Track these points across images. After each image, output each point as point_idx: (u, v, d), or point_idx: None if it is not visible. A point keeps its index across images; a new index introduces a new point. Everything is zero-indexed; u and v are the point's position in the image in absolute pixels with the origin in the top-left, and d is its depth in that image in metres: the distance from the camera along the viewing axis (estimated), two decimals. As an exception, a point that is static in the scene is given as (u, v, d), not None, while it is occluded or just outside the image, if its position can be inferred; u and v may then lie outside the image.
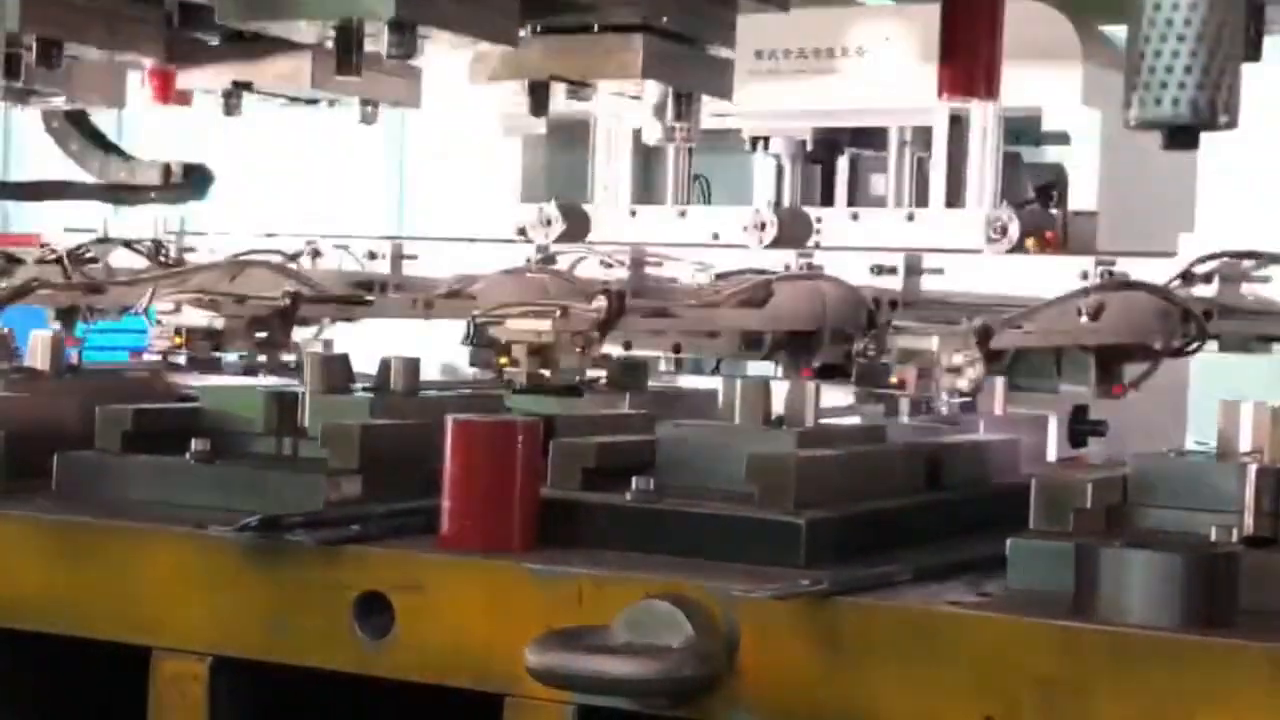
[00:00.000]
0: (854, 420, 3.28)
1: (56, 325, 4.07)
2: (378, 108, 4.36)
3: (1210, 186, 5.41)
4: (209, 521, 2.55)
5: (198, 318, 4.08)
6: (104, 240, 4.78)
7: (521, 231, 5.18)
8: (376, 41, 3.19)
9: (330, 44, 3.20)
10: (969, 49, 4.08)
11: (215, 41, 4.11)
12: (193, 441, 2.83)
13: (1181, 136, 2.27)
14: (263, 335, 3.89)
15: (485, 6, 3.37)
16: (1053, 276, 4.09)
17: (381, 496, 2.67)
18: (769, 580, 2.23)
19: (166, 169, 4.69)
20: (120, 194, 4.87)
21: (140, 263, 4.70)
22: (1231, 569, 2.11)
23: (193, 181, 4.70)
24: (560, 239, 5.02)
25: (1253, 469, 2.35)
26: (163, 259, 4.80)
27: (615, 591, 2.26)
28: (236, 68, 4.31)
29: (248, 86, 4.39)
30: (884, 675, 2.13)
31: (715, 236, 4.92)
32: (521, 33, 3.65)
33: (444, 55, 3.60)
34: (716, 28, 3.97)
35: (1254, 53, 2.53)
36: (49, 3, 3.44)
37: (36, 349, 3.64)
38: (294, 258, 4.79)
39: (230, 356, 4.33)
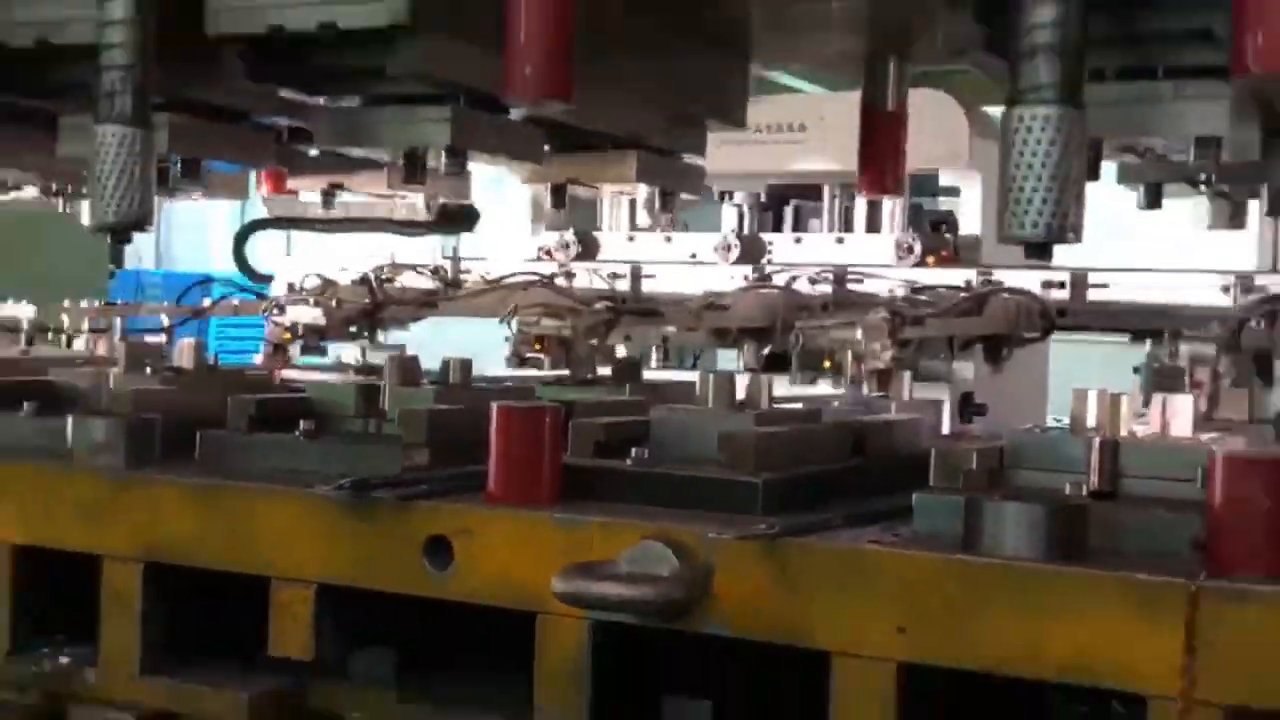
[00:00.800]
0: (797, 405, 3.31)
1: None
2: (438, 198, 4.42)
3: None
4: (314, 483, 2.60)
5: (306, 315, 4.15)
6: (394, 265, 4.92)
7: (548, 252, 5.26)
8: (435, 158, 3.24)
9: (402, 161, 3.24)
10: (880, 160, 4.16)
11: (314, 152, 4.13)
12: (301, 422, 2.88)
13: (1038, 250, 2.31)
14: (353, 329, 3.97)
15: (519, 135, 3.39)
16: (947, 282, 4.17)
17: (443, 464, 2.70)
18: (735, 526, 2.29)
19: (443, 208, 4.76)
20: (404, 227, 4.91)
21: (424, 283, 4.76)
22: (1081, 517, 2.20)
23: (465, 216, 4.72)
24: (576, 258, 5.11)
25: (1096, 441, 2.42)
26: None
27: (619, 534, 2.32)
28: (332, 174, 4.40)
29: (340, 186, 4.49)
30: (821, 596, 2.19)
31: (693, 256, 5.01)
32: (545, 148, 3.70)
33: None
34: (691, 143, 4.06)
35: (1093, 174, 2.57)
36: (189, 130, 3.44)
37: (182, 352, 3.67)
38: (551, 279, 4.92)
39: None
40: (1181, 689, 1.96)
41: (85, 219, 2.95)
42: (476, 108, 3.07)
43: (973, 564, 2.13)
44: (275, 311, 4.79)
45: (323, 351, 4.60)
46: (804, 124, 4.98)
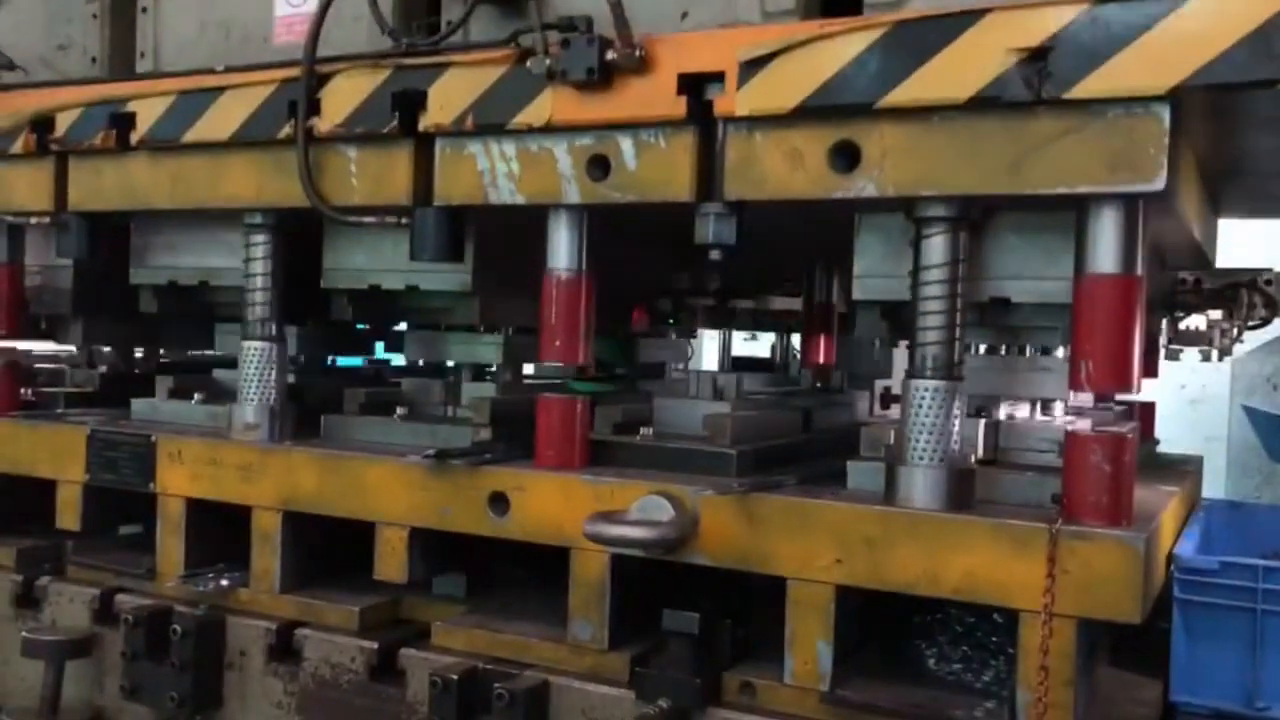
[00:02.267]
0: (762, 394, 3.28)
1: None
2: None
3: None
4: (406, 453, 2.62)
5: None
6: None
7: None
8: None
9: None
10: None
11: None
12: (397, 409, 2.91)
13: None
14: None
15: None
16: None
17: (502, 438, 2.70)
18: (716, 485, 2.30)
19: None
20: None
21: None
22: (970, 477, 2.20)
23: None
24: None
25: (982, 421, 2.42)
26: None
27: (631, 490, 2.32)
28: None
29: None
30: (779, 536, 2.20)
31: None
32: None
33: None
34: None
35: None
36: (311, 337, 3.40)
37: None
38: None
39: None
40: (1044, 605, 1.97)
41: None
42: (520, 334, 3.04)
43: (889, 512, 2.14)
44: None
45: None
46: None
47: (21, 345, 4.57)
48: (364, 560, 2.63)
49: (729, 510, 2.24)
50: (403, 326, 3.37)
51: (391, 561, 2.59)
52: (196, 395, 3.19)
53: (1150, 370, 3.33)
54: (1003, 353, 2.58)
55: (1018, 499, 2.23)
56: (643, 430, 2.63)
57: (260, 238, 2.87)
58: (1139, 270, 2.05)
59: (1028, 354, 2.59)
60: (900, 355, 4.84)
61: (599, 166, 2.38)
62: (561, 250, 2.48)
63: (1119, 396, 3.42)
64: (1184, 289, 3.33)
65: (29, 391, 3.44)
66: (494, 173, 2.48)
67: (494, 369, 3.12)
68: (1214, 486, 4.58)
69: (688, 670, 2.24)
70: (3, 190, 3.22)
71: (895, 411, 4.68)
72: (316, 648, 2.63)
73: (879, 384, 4.72)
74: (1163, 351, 3.16)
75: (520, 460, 2.56)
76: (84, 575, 3.05)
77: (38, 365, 3.71)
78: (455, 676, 2.37)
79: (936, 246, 2.16)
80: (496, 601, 2.70)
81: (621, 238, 2.71)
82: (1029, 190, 2.03)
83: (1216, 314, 2.94)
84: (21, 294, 3.42)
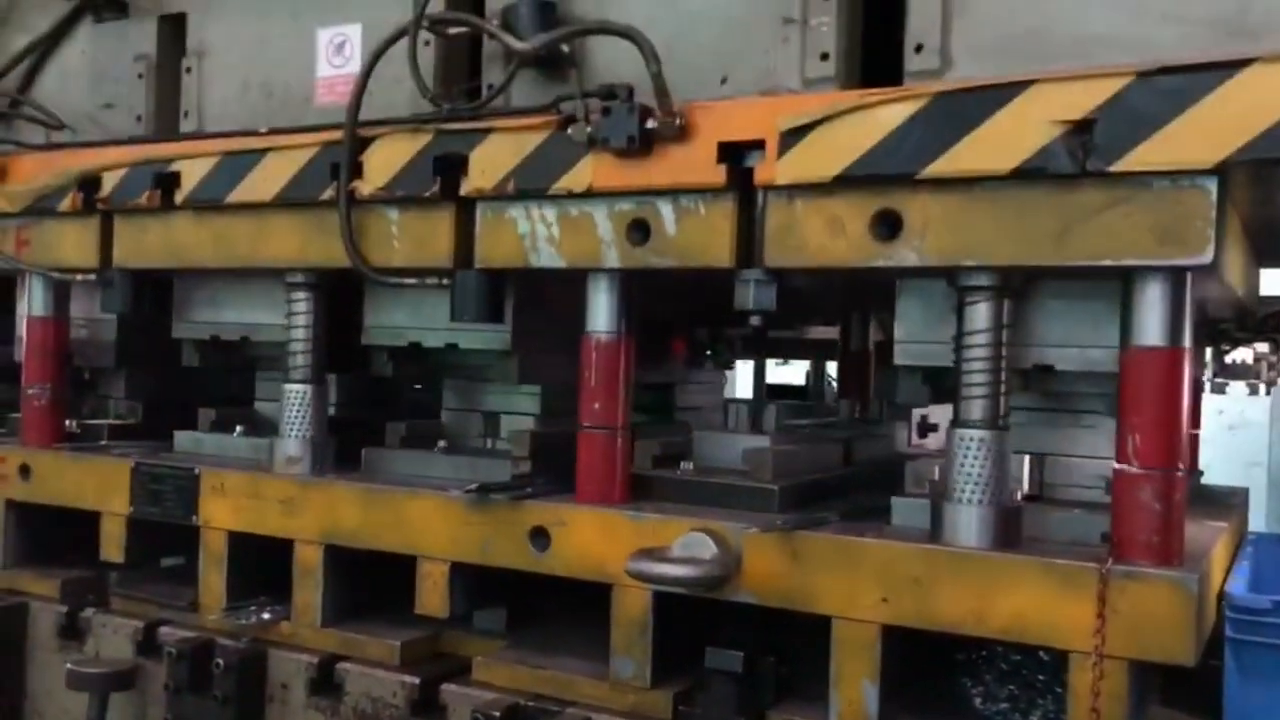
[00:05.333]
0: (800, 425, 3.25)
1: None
2: None
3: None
4: (449, 487, 2.61)
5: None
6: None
7: None
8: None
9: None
10: None
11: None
12: (438, 442, 2.91)
13: None
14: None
15: None
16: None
17: (541, 471, 2.68)
18: (758, 522, 2.28)
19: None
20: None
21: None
22: (1017, 515, 2.17)
23: None
24: None
25: (1027, 457, 2.39)
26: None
27: (673, 527, 2.30)
28: None
29: None
30: (824, 574, 2.17)
31: None
32: None
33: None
34: None
35: None
36: (346, 385, 3.37)
37: None
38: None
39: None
40: (1095, 646, 1.94)
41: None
42: (558, 390, 2.98)
43: (936, 551, 2.11)
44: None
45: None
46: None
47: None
48: (405, 592, 2.63)
49: (773, 548, 2.22)
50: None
51: (433, 596, 2.59)
52: (239, 428, 3.21)
53: (1195, 416, 3.28)
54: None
55: (1066, 537, 2.20)
56: (683, 464, 2.62)
57: (302, 294, 2.90)
58: (1185, 342, 2.02)
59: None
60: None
61: (639, 231, 2.38)
62: (601, 314, 2.48)
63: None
64: (1226, 321, 3.29)
65: (73, 424, 3.46)
66: (534, 236, 2.49)
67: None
68: (1255, 514, 4.51)
69: (731, 710, 2.23)
70: (51, 247, 3.27)
71: (933, 440, 4.67)
72: (357, 682, 2.63)
73: (916, 413, 4.71)
74: (1208, 385, 3.11)
75: (561, 494, 2.55)
76: (127, 607, 3.08)
77: (80, 398, 3.74)
78: (498, 714, 2.36)
79: (980, 313, 2.15)
80: (537, 636, 2.69)
81: (660, 293, 2.69)
82: (1074, 262, 2.01)
83: (1263, 347, 2.89)
84: (66, 348, 3.47)
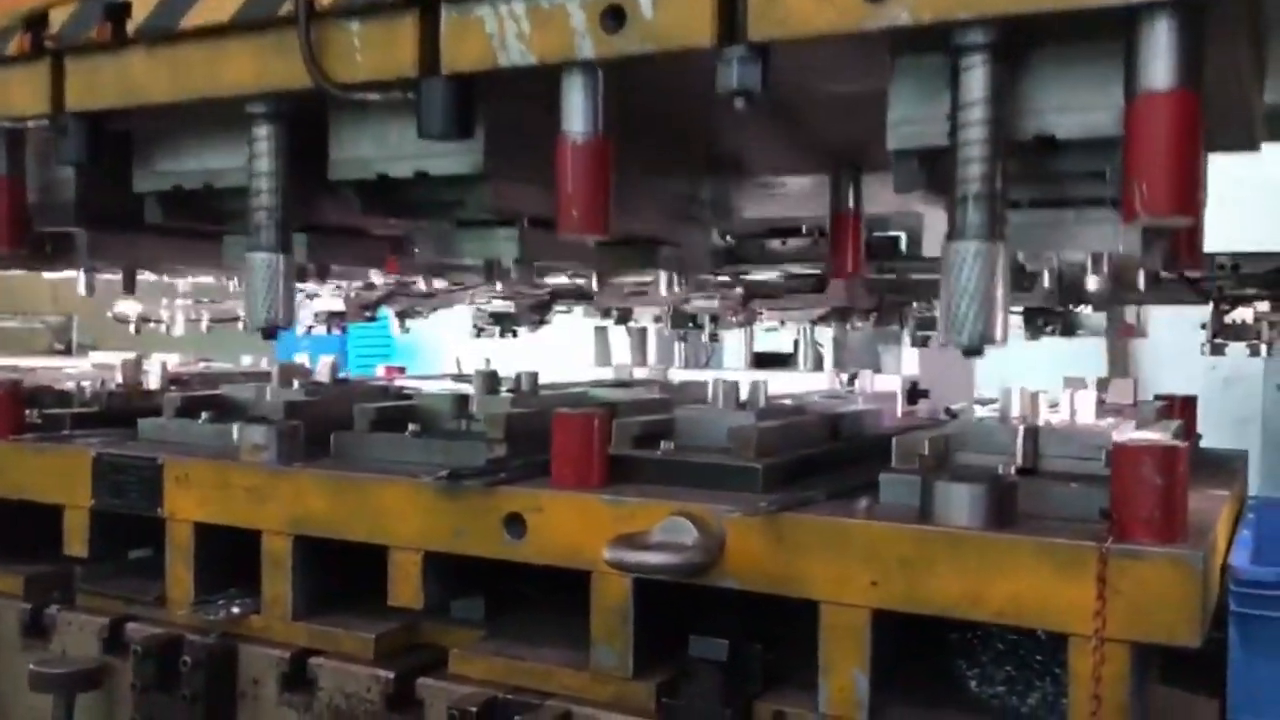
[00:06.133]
0: (788, 400, 3.19)
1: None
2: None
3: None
4: (420, 473, 2.51)
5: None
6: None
7: None
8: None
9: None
10: (843, 251, 3.87)
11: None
12: (409, 425, 2.80)
13: (971, 352, 2.10)
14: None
15: (571, 246, 3.12)
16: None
17: (518, 454, 2.60)
18: (741, 503, 2.19)
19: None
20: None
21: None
22: (1012, 492, 2.08)
23: None
24: None
25: (1020, 427, 2.32)
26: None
27: (653, 511, 2.22)
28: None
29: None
30: (810, 558, 2.09)
31: None
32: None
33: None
34: (698, 238, 3.78)
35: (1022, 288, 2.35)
36: (321, 245, 3.27)
37: (322, 369, 3.64)
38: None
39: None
40: (1095, 629, 1.85)
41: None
42: (537, 227, 2.88)
43: (926, 532, 2.02)
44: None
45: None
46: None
47: (26, 363, 4.53)
48: (381, 581, 2.53)
49: (756, 532, 2.13)
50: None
51: (405, 586, 2.49)
52: (204, 414, 3.10)
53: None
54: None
55: (1063, 512, 2.10)
56: (663, 444, 2.52)
57: (264, 128, 2.74)
58: (1199, 87, 1.85)
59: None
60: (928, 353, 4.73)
61: (614, 17, 2.20)
62: (577, 112, 2.31)
63: (1159, 391, 3.29)
64: (1223, 274, 3.19)
65: (35, 413, 3.35)
66: (503, 34, 2.31)
67: (512, 383, 3.01)
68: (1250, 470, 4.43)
69: (716, 700, 2.14)
70: (0, 97, 3.07)
71: (923, 406, 4.57)
72: (331, 677, 2.54)
73: (905, 379, 4.63)
74: (1209, 346, 3.01)
75: (537, 478, 2.46)
76: (93, 603, 2.97)
77: (42, 386, 3.63)
78: (474, 709, 2.28)
79: (975, 80, 1.97)
80: (517, 624, 2.59)
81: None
82: (1075, 4, 1.84)
83: (1264, 306, 2.79)
84: (24, 208, 3.29)
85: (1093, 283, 3.06)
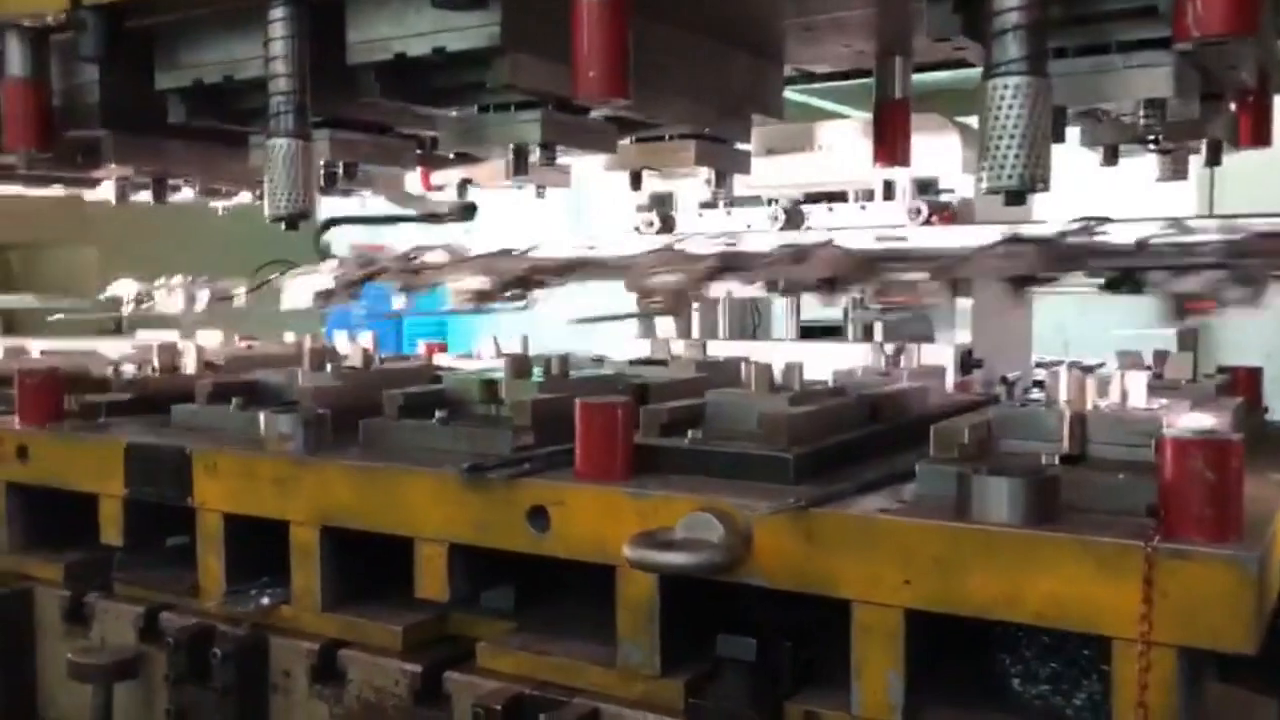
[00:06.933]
0: (828, 381, 3.03)
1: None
2: (544, 187, 4.21)
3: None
4: (448, 461, 2.45)
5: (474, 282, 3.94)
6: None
7: (637, 229, 5.05)
8: (534, 153, 3.10)
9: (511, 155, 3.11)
10: (890, 139, 3.92)
11: (451, 155, 4.09)
12: (437, 410, 2.74)
13: (1015, 197, 2.08)
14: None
15: (597, 131, 3.24)
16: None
17: (545, 441, 2.53)
18: (771, 495, 2.11)
19: (461, 205, 4.50)
20: (432, 219, 4.76)
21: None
22: (1054, 486, 1.96)
23: (468, 210, 4.56)
24: (659, 233, 4.92)
25: (1067, 412, 2.21)
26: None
27: (677, 506, 2.13)
28: (462, 170, 4.36)
29: (470, 180, 4.42)
30: (842, 555, 2.00)
31: (748, 226, 4.80)
32: (624, 141, 3.57)
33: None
34: (738, 131, 3.80)
35: (1058, 137, 2.30)
36: (344, 142, 3.37)
37: (354, 353, 3.61)
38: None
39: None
40: (1141, 634, 1.75)
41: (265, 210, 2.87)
42: (562, 111, 2.92)
43: (962, 529, 1.92)
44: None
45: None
46: (831, 144, 4.68)
47: (70, 346, 4.55)
48: (411, 572, 2.48)
49: (784, 528, 2.04)
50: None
51: (431, 579, 2.45)
52: (234, 400, 3.07)
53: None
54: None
55: (1109, 506, 1.98)
56: (691, 433, 2.43)
57: (280, 10, 2.75)
58: None
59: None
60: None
61: None
62: None
63: (1218, 365, 3.13)
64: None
65: (71, 400, 3.36)
66: None
67: (540, 371, 2.96)
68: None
69: (745, 700, 2.07)
70: (17, -4, 3.12)
71: (978, 375, 4.40)
72: (360, 669, 2.52)
73: (958, 346, 4.47)
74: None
75: (562, 469, 2.39)
76: (130, 591, 2.98)
77: (79, 372, 3.63)
78: (499, 707, 2.23)
79: None
80: (547, 615, 2.55)
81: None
82: None
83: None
84: (49, 110, 3.34)
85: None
